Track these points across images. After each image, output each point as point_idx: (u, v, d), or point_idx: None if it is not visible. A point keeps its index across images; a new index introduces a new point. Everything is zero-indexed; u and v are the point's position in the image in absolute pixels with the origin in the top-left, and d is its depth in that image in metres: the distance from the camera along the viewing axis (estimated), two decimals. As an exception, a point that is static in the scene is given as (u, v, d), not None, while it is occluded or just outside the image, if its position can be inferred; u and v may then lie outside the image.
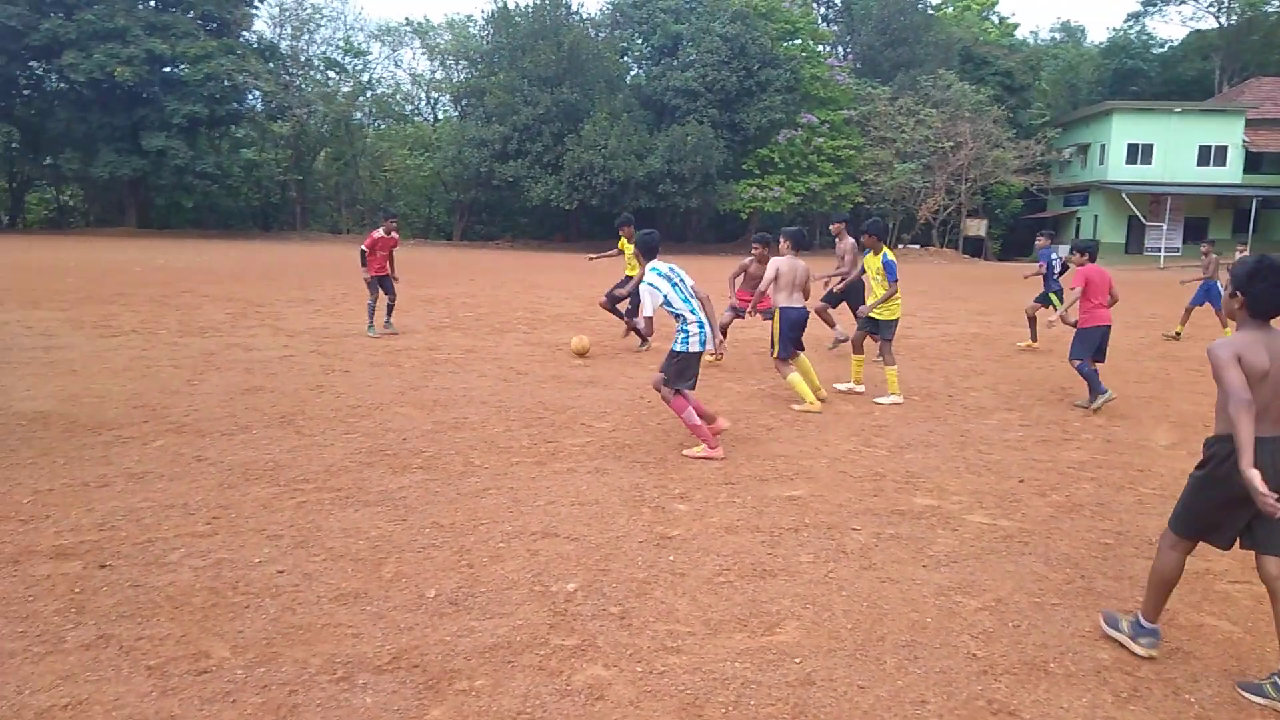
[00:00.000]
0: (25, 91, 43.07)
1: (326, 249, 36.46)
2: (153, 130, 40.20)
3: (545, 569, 3.90)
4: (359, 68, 50.23)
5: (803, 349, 7.70)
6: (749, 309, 9.05)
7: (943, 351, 11.42)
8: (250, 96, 44.72)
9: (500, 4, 44.32)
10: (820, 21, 55.34)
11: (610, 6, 48.98)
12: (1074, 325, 8.00)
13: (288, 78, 45.93)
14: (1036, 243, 13.11)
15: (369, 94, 50.41)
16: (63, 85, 41.88)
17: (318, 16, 48.02)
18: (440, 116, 52.66)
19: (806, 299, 7.62)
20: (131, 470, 5.17)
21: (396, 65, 53.86)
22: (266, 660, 3.03)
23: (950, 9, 59.95)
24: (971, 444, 6.42)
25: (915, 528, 4.58)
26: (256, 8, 46.06)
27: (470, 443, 6.08)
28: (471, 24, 49.03)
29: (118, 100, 40.54)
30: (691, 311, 5.91)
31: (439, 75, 50.68)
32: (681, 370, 5.89)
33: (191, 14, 42.31)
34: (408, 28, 50.29)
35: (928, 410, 7.61)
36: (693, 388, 5.97)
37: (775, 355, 7.50)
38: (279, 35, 48.12)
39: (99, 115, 40.51)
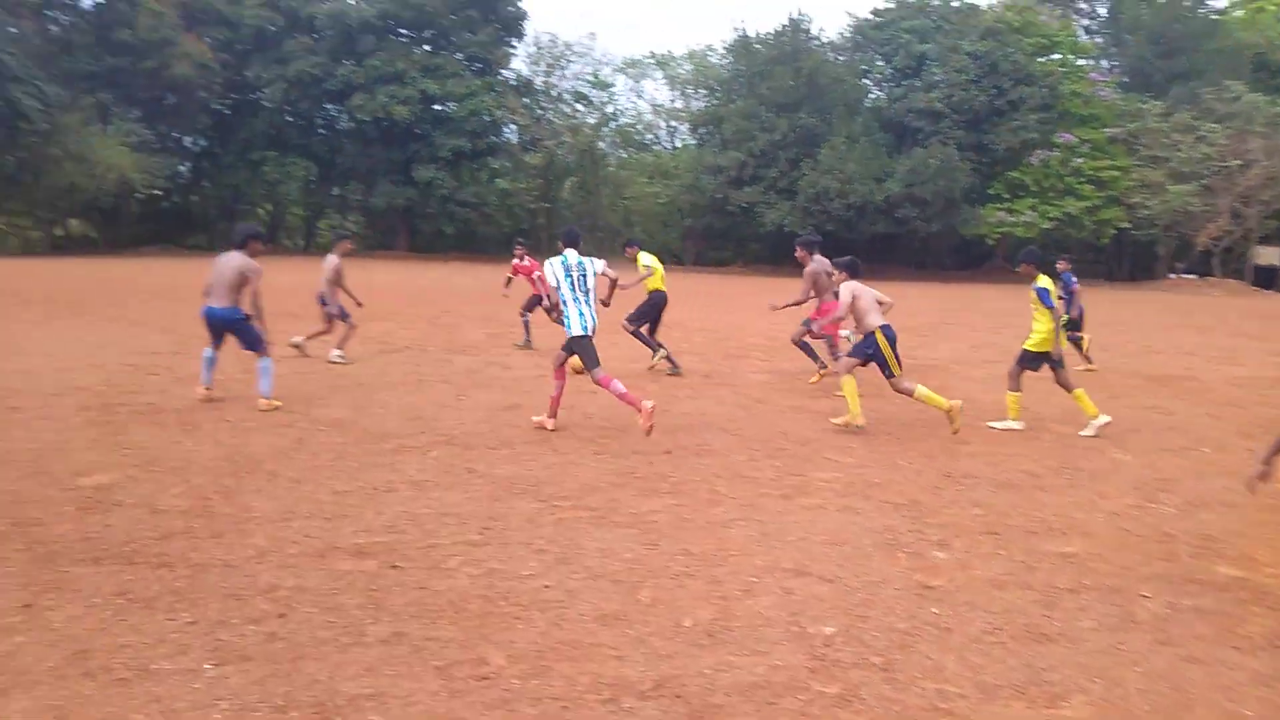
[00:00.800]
0: (321, 131, 49.13)
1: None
2: (423, 163, 44.39)
3: (801, 609, 3.82)
4: (604, 100, 52.84)
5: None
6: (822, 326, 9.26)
7: (1233, 396, 10.12)
8: (506, 130, 48.26)
9: (740, 33, 44.97)
10: (1082, 34, 51.45)
11: (851, 29, 48.28)
12: None
13: (540, 111, 49.14)
14: None
15: (612, 124, 52.87)
16: (351, 124, 47.35)
17: (569, 53, 51.02)
18: (679, 145, 54.14)
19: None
20: (413, 478, 5.65)
21: (639, 96, 56.24)
22: (539, 673, 3.17)
23: (1240, 12, 53.63)
24: (1282, 507, 5.61)
25: (1220, 601, 4.05)
26: (515, 47, 49.74)
27: (715, 470, 6.12)
28: (711, 53, 50.11)
29: (395, 137, 45.17)
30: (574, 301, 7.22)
31: (678, 104, 52.22)
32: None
33: (459, 55, 46.38)
34: (651, 60, 52.29)
35: (1221, 465, 6.75)
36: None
37: (892, 376, 7.63)
38: (534, 72, 51.60)
39: (379, 150, 45.36)
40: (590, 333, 7.21)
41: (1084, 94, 43.73)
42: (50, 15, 41.69)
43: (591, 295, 7.37)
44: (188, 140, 48.57)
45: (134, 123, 39.63)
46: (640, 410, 6.79)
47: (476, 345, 12.42)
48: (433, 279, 28.51)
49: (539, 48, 51.07)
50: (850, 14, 53.11)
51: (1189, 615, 3.88)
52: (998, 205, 42.52)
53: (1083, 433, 7.61)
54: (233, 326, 7.74)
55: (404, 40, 46.51)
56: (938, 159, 38.93)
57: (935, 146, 39.72)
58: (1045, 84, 41.60)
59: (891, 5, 47.09)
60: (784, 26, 43.43)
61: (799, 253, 9.69)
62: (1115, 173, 42.44)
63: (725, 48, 47.00)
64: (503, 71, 48.37)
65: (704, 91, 49.14)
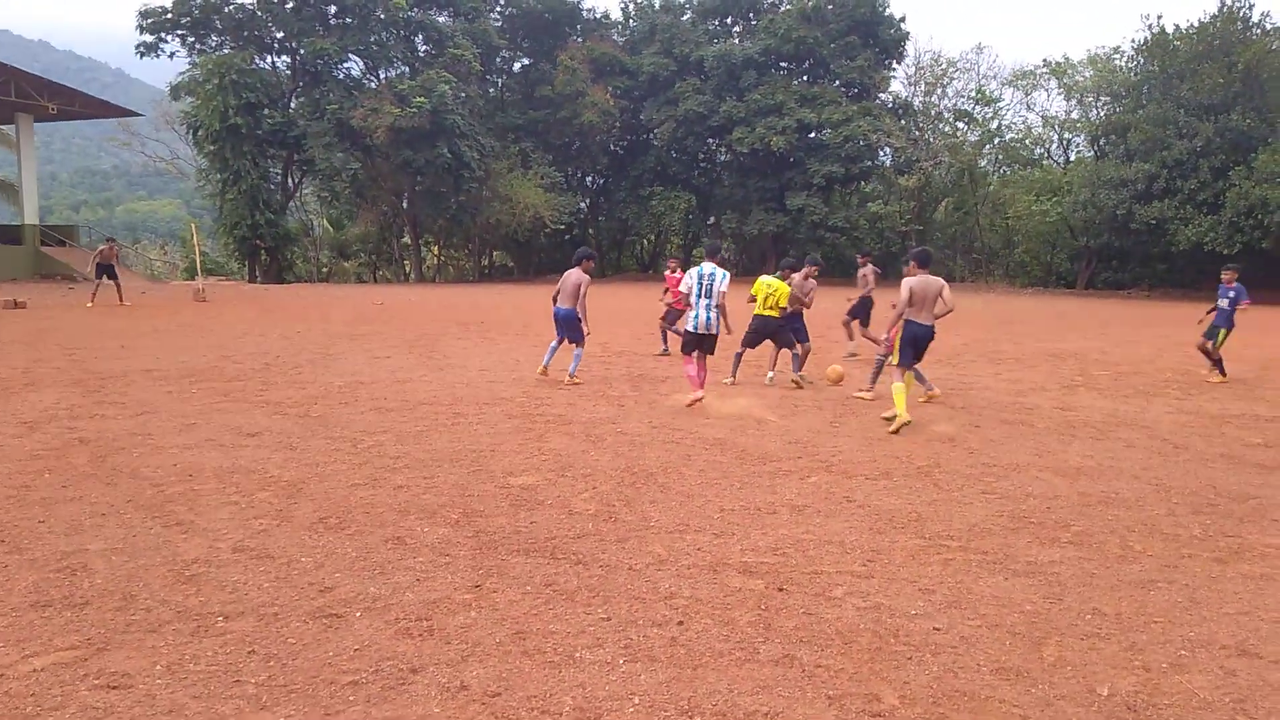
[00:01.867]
0: (702, 164, 52.16)
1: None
2: (796, 190, 45.21)
3: (1248, 696, 3.28)
4: (989, 115, 49.83)
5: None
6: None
7: None
8: (881, 153, 47.47)
9: (1157, 29, 39.92)
10: None
11: (1304, 11, 40.59)
12: None
13: (917, 132, 47.65)
14: None
15: (996, 141, 49.64)
16: (728, 157, 49.71)
17: (952, 71, 48.93)
18: (1073, 158, 49.37)
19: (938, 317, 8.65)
20: (793, 502, 5.78)
21: (1029, 109, 51.97)
22: (935, 718, 3.07)
23: None
24: None
25: None
26: (894, 70, 48.84)
27: (1126, 523, 5.47)
28: (1118, 56, 45.01)
29: (770, 166, 46.57)
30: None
31: (1075, 114, 47.59)
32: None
33: (837, 83, 46.63)
34: (1044, 69, 48.26)
35: None
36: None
37: (897, 363, 8.57)
38: (912, 93, 50.25)
39: (754, 180, 47.05)
40: (698, 330, 9.12)
41: None
42: (490, 79, 49.19)
43: (714, 300, 9.06)
44: (589, 179, 54.38)
45: (548, 166, 45.29)
46: (694, 389, 9.10)
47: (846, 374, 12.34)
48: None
49: (918, 68, 49.71)
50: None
51: None
52: None
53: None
54: (569, 323, 10.50)
55: (784, 73, 47.87)
56: None
57: None
58: None
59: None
60: (1213, 16, 37.74)
61: (912, 265, 8.79)
62: None
63: (1135, 48, 42.00)
64: (880, 95, 47.75)
65: (1107, 98, 44.25)
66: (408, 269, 49.28)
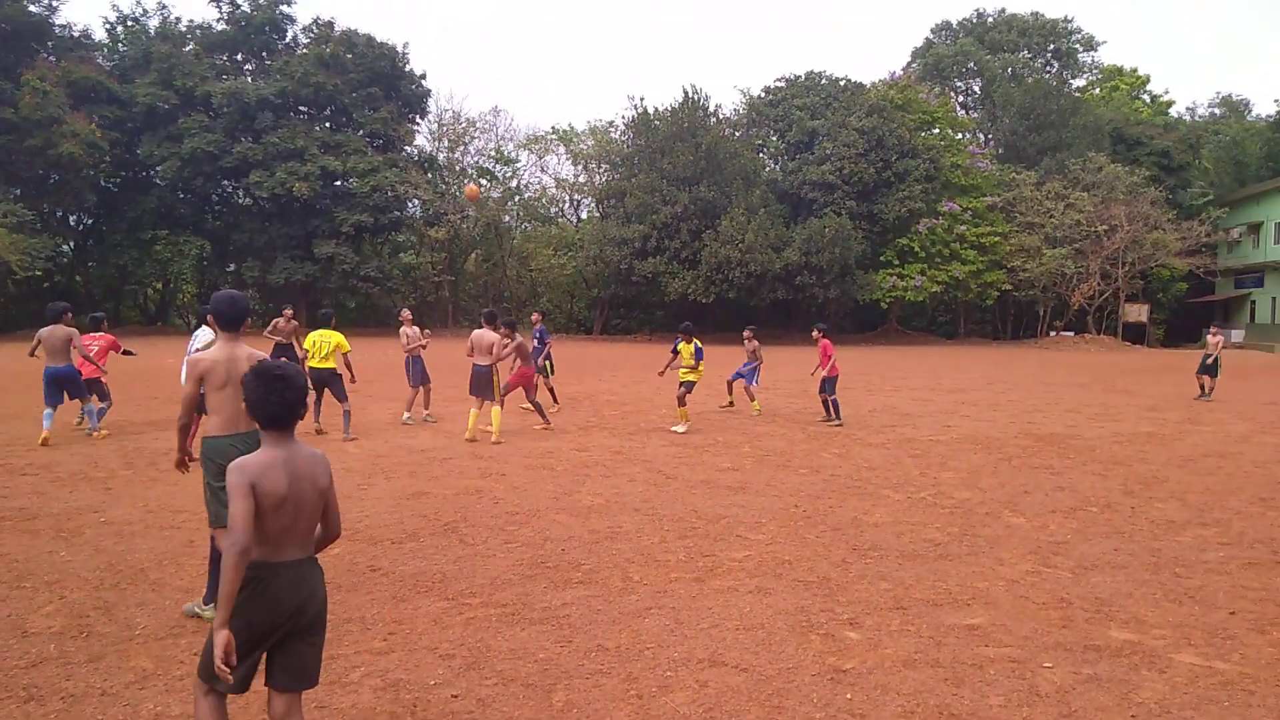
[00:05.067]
0: (217, 207, 47.92)
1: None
2: (324, 239, 43.65)
3: (716, 703, 3.78)
4: (508, 174, 53.24)
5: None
6: None
7: (1115, 454, 10.66)
8: (410, 205, 48.00)
9: (640, 109, 46.23)
10: (959, 110, 54.89)
11: (746, 106, 50.21)
12: None
13: (444, 186, 49.10)
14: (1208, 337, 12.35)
15: (517, 198, 53.20)
16: (248, 201, 46.38)
17: (473, 129, 51.39)
18: (583, 217, 54.85)
19: None
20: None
21: (543, 170, 56.73)
22: (448, 796, 3.03)
23: (1097, 90, 58.34)
24: (1165, 566, 5.89)
25: (1115, 668, 4.19)
26: (418, 124, 49.85)
27: (627, 555, 6.07)
28: (613, 129, 51.22)
29: (294, 213, 44.40)
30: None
31: (581, 179, 53.00)
32: None
33: (361, 133, 46.19)
34: (553, 135, 53.08)
35: (1109, 524, 7.06)
36: None
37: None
38: (437, 148, 51.74)
39: (278, 227, 44.45)
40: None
41: (963, 165, 46.51)
42: (-79, 92, 39.83)
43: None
44: (73, 219, 46.62)
45: (13, 203, 37.88)
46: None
47: (382, 427, 12.10)
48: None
49: (441, 124, 51.40)
50: (742, 91, 55.09)
51: (1089, 685, 4.00)
52: (890, 271, 44.47)
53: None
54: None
55: (304, 118, 46.06)
56: (832, 228, 40.52)
57: (829, 216, 41.36)
58: (928, 156, 44.07)
59: (782, 84, 49.28)
60: (681, 103, 44.92)
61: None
62: (996, 238, 45.06)
63: (626, 124, 48.25)
64: (406, 148, 48.34)
65: (606, 166, 50.11)
66: None
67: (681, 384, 12.65)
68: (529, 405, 12.40)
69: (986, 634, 4.61)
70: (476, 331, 11.18)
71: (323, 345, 11.38)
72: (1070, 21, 59.44)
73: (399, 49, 46.86)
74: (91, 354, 11.02)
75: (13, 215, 37.15)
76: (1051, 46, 59.28)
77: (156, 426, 11.91)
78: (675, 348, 12.98)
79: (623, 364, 27.13)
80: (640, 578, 5.55)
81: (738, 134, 48.23)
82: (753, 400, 14.61)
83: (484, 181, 51.84)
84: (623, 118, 49.89)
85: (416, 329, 13.42)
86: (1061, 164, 45.96)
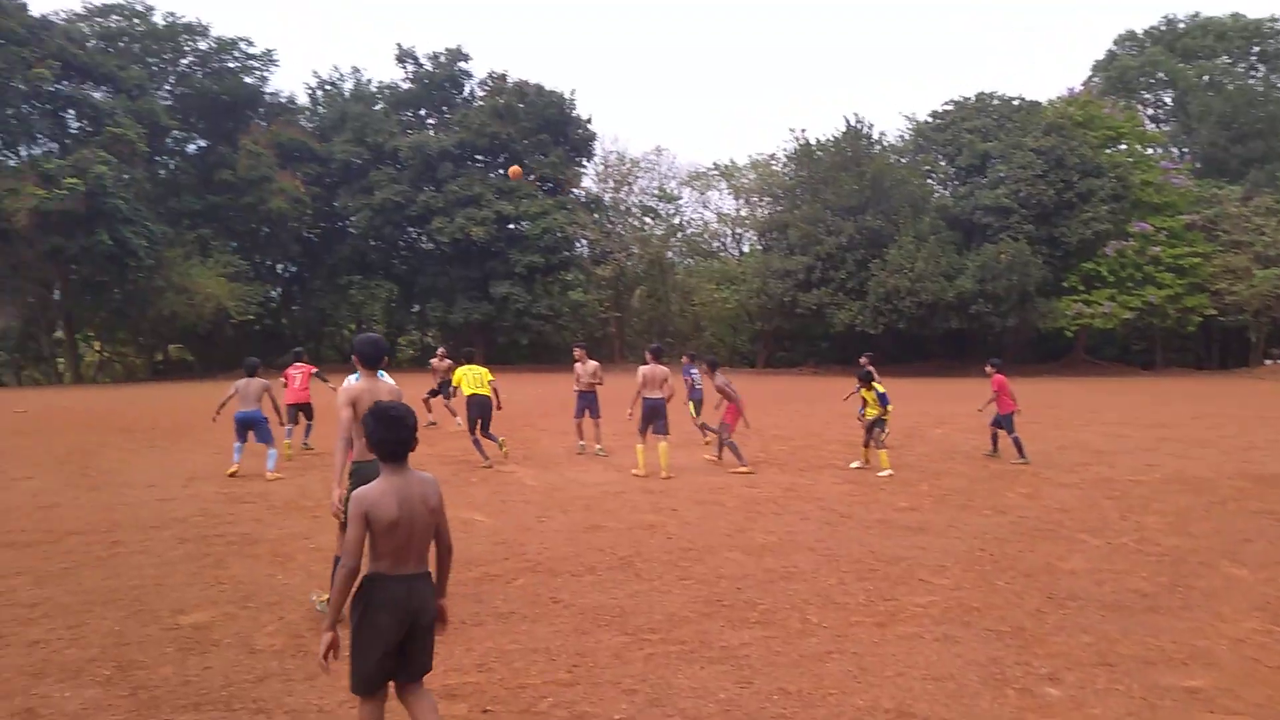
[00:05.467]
0: (403, 253, 51.44)
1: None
2: (499, 279, 45.96)
3: (907, 756, 3.64)
4: (671, 211, 54.21)
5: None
6: None
7: (1356, 499, 9.48)
8: (578, 244, 49.76)
9: (802, 141, 46.00)
10: (1148, 124, 51.19)
11: (912, 132, 48.95)
12: None
13: (610, 225, 50.60)
14: None
15: (680, 234, 54.02)
16: (430, 246, 49.54)
17: (637, 170, 52.75)
18: (745, 250, 54.96)
19: None
20: (499, 610, 5.66)
21: (705, 206, 57.21)
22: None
23: (1315, 93, 52.86)
24: None
25: (1370, 745, 3.72)
26: (585, 167, 51.76)
27: (804, 596, 5.97)
28: (774, 162, 51.21)
29: (472, 256, 46.99)
30: None
31: (743, 212, 53.22)
32: None
33: (532, 177, 48.45)
34: (715, 171, 53.68)
35: (1352, 579, 6.29)
36: None
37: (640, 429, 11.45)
38: (603, 189, 53.42)
39: (458, 269, 47.18)
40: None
41: (1155, 182, 43.15)
42: (159, 160, 45.23)
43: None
44: (280, 267, 51.40)
45: (231, 254, 42.20)
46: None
47: (556, 460, 12.51)
48: (512, 390, 28.99)
49: (606, 166, 53.11)
50: (908, 117, 53.58)
51: (1337, 762, 3.57)
52: (1074, 298, 41.69)
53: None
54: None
55: (480, 166, 48.91)
56: (1009, 254, 38.61)
57: (1005, 242, 39.45)
58: (1114, 175, 41.25)
59: (950, 107, 47.75)
60: (844, 132, 44.35)
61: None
62: (1197, 259, 41.36)
63: (787, 156, 48.14)
64: (574, 191, 50.26)
65: (768, 199, 50.13)
66: (61, 368, 43.09)
67: (872, 422, 11.82)
68: (710, 440, 12.29)
69: (1210, 699, 4.21)
70: (646, 366, 11.38)
71: (474, 379, 12.46)
72: (1277, 21, 54.31)
73: (566, 96, 48.95)
74: (295, 385, 13.17)
75: (231, 266, 41.35)
76: (1255, 49, 54.22)
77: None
78: (859, 390, 12.26)
79: (789, 398, 26.79)
80: (819, 620, 5.45)
81: (904, 160, 47.04)
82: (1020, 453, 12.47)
83: (647, 219, 52.93)
84: (784, 150, 49.82)
85: (593, 364, 13.64)
86: (1271, 176, 41.83)
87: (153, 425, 18.01)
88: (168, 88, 45.39)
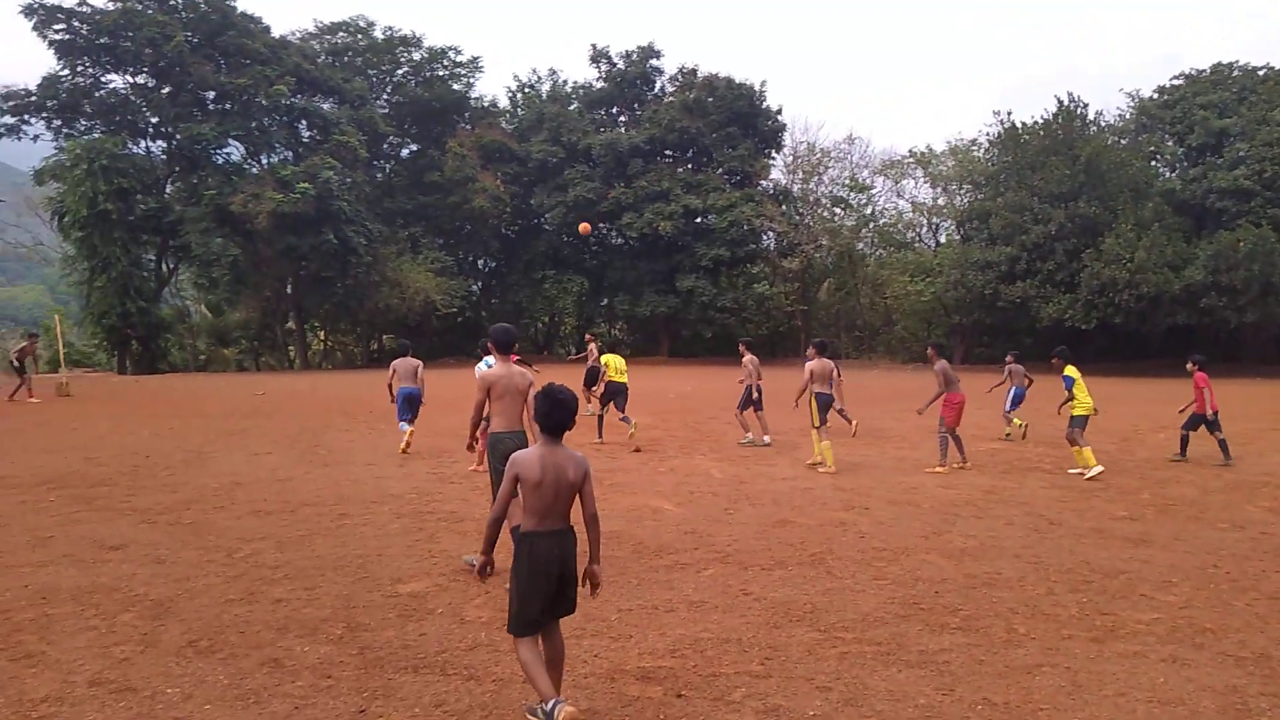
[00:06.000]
0: (594, 248, 53.00)
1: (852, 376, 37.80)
2: (685, 273, 46.40)
3: (1131, 784, 3.37)
4: (863, 202, 52.60)
5: None
6: None
7: None
8: (765, 237, 49.36)
9: (1007, 125, 43.34)
10: None
11: (1134, 110, 44.95)
12: None
13: (798, 217, 49.81)
14: None
15: (872, 225, 52.32)
16: (620, 241, 50.77)
17: (827, 160, 51.60)
18: (941, 241, 52.51)
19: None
20: (691, 598, 5.73)
21: (899, 195, 54.88)
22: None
23: None
24: None
25: None
26: (773, 158, 51.20)
27: (1009, 605, 5.64)
28: (975, 148, 48.55)
29: (659, 250, 47.72)
30: None
31: (941, 201, 50.78)
32: None
33: (720, 170, 48.53)
34: (910, 159, 51.55)
35: None
36: None
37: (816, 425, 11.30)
38: (791, 180, 52.67)
39: (645, 263, 48.07)
40: None
41: None
42: (377, 164, 49.03)
43: None
44: (480, 262, 54.42)
45: (438, 250, 45.15)
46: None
47: (743, 454, 12.49)
48: (697, 382, 29.28)
49: (796, 156, 52.25)
50: (1129, 94, 48.92)
51: None
52: (1332, 289, 36.82)
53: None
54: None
55: (669, 160, 49.56)
56: (1249, 241, 34.63)
57: (1245, 228, 35.40)
58: (1385, 149, 36.13)
59: (1180, 81, 43.42)
60: (1055, 113, 41.31)
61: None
62: None
63: (990, 141, 45.49)
64: (762, 183, 49.86)
65: (968, 187, 47.59)
66: (292, 355, 47.71)
67: (1071, 420, 11.10)
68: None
69: None
70: (814, 362, 11.32)
71: (616, 366, 14.03)
72: None
73: (756, 87, 48.58)
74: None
75: (438, 262, 44.21)
76: None
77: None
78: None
79: (986, 396, 25.36)
80: (1026, 630, 5.13)
81: (1123, 142, 43.25)
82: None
83: (838, 210, 51.72)
84: (987, 135, 46.97)
85: (753, 359, 13.95)
86: None
87: (369, 409, 19.55)
88: (385, 97, 49.09)
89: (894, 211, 53.79)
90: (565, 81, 54.44)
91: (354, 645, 4.81)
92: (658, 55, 51.12)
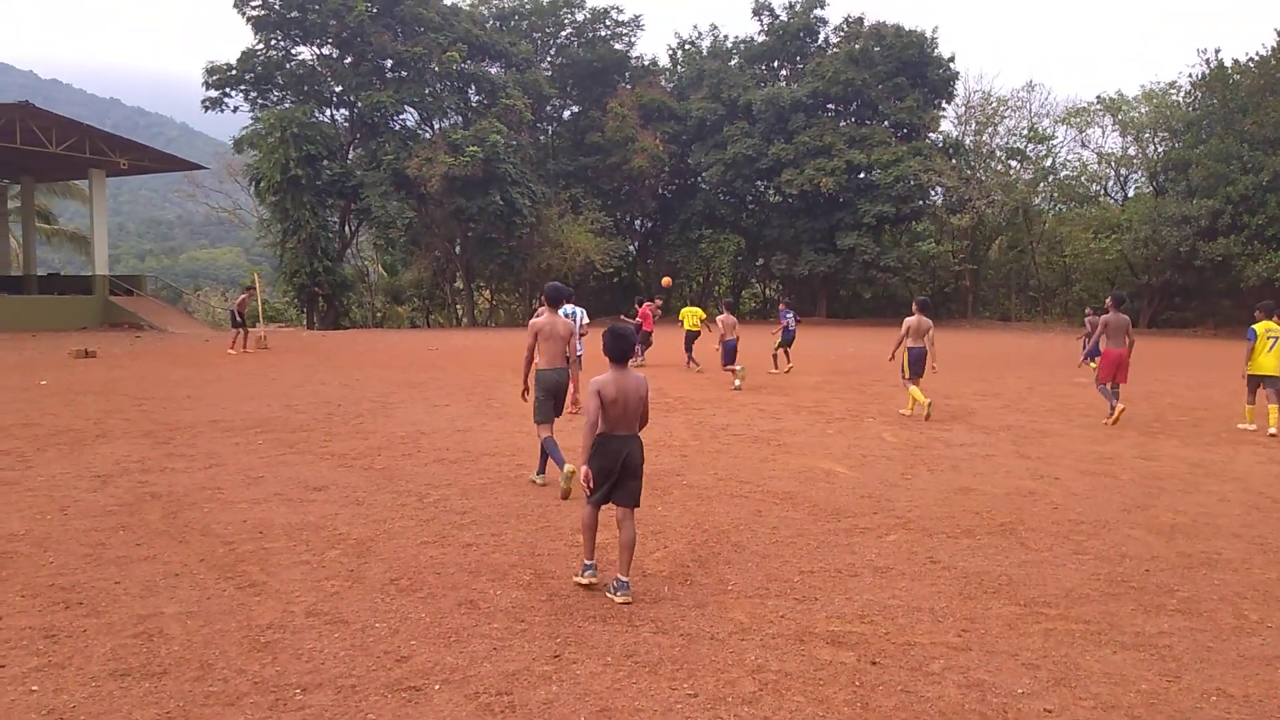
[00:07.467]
0: (751, 206, 52.27)
1: (999, 337, 36.02)
2: (846, 230, 45.02)
3: None
4: (1042, 153, 49.16)
5: None
6: None
7: None
8: (933, 193, 47.09)
9: (1214, 64, 39.23)
10: None
11: (1371, 41, 39.54)
12: None
13: (969, 171, 47.18)
14: None
15: (1051, 179, 48.86)
16: (778, 199, 49.79)
17: (1003, 109, 48.52)
18: (1131, 194, 48.42)
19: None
20: (875, 563, 5.55)
21: (1084, 146, 50.63)
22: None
23: None
24: None
25: None
26: (944, 109, 48.59)
27: (1235, 588, 5.14)
28: (1174, 91, 44.27)
29: (819, 207, 46.48)
30: None
31: (1132, 150, 46.69)
32: None
33: (886, 123, 46.56)
34: (1098, 106, 47.56)
35: None
36: None
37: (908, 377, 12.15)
38: (963, 133, 49.89)
39: (804, 221, 46.98)
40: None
41: None
42: (540, 127, 50.07)
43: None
44: (638, 223, 54.80)
45: (597, 211, 45.76)
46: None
47: (912, 417, 12.02)
48: (859, 344, 28.48)
49: (969, 107, 49.33)
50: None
51: None
52: None
53: None
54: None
55: (832, 114, 47.94)
56: None
57: None
58: None
59: None
60: (1273, 49, 36.96)
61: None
62: None
63: (1193, 83, 41.33)
64: (931, 135, 47.46)
65: (1165, 134, 43.48)
66: (460, 313, 49.92)
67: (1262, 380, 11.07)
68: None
69: None
70: (912, 318, 12.00)
71: (690, 316, 18.43)
72: None
73: (927, 35, 46.14)
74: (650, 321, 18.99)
75: (597, 222, 44.81)
76: None
77: (713, 404, 13.32)
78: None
79: (1182, 362, 23.35)
80: (1259, 618, 4.66)
81: (1358, 78, 38.23)
82: None
83: (1014, 163, 48.60)
84: (1188, 77, 42.74)
85: (730, 319, 16.08)
86: None
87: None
88: (549, 59, 49.87)
89: (1077, 163, 49.96)
90: (726, 37, 53.56)
91: (543, 591, 4.94)
92: (822, 4, 49.39)
